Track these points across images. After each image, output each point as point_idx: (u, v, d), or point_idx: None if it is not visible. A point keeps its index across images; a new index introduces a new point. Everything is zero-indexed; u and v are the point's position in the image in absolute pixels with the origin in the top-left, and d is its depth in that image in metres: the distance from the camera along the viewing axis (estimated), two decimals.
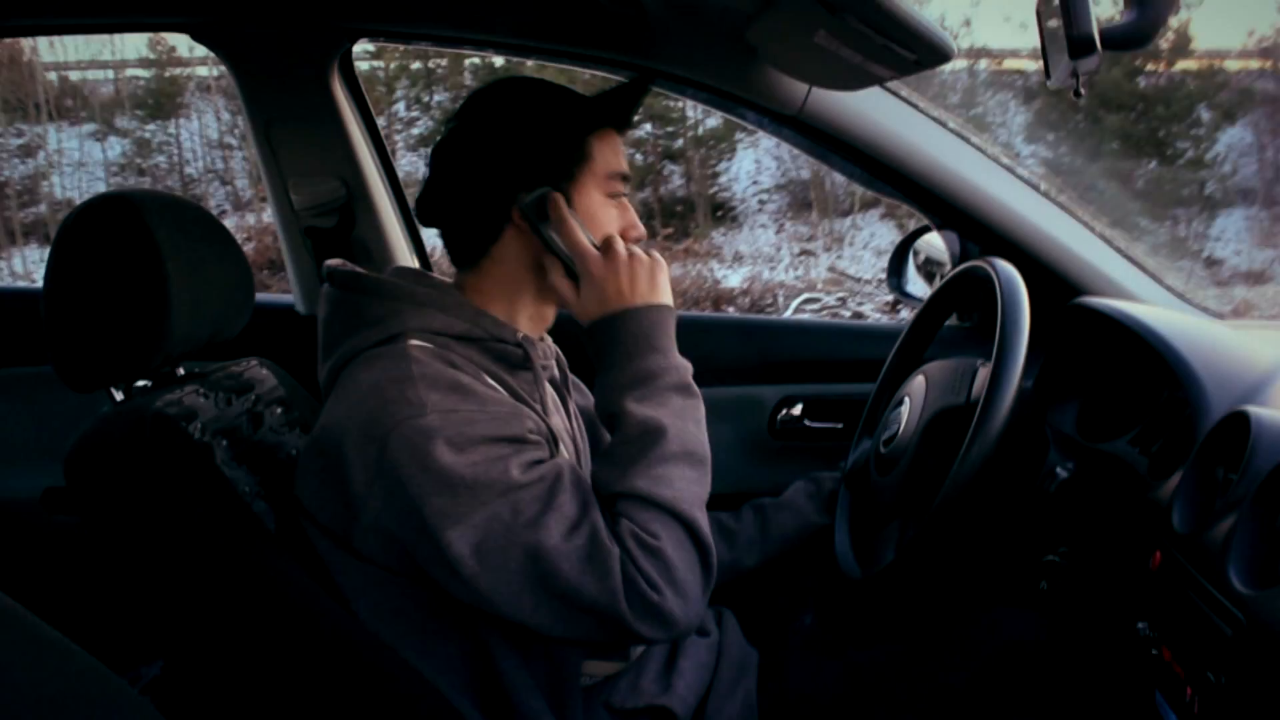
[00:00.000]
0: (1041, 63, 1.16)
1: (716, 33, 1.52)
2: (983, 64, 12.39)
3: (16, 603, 0.69)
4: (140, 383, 1.30)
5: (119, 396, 1.27)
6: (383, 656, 1.13)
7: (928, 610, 1.45)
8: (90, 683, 0.75)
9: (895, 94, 1.69)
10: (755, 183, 12.93)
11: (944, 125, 1.72)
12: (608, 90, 1.27)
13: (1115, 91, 10.82)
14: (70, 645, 0.76)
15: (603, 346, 1.18)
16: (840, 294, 8.55)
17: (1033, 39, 11.74)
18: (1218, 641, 1.01)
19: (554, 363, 1.35)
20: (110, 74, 12.89)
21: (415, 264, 1.98)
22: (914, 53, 1.22)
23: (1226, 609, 1.00)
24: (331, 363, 1.18)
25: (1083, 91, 1.02)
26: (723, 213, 12.50)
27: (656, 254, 1.22)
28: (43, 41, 12.55)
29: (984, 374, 1.32)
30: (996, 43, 11.79)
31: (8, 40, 11.62)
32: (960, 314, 2.01)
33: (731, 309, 9.47)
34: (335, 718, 1.17)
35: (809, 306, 8.27)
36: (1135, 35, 0.97)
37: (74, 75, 12.98)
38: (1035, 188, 1.76)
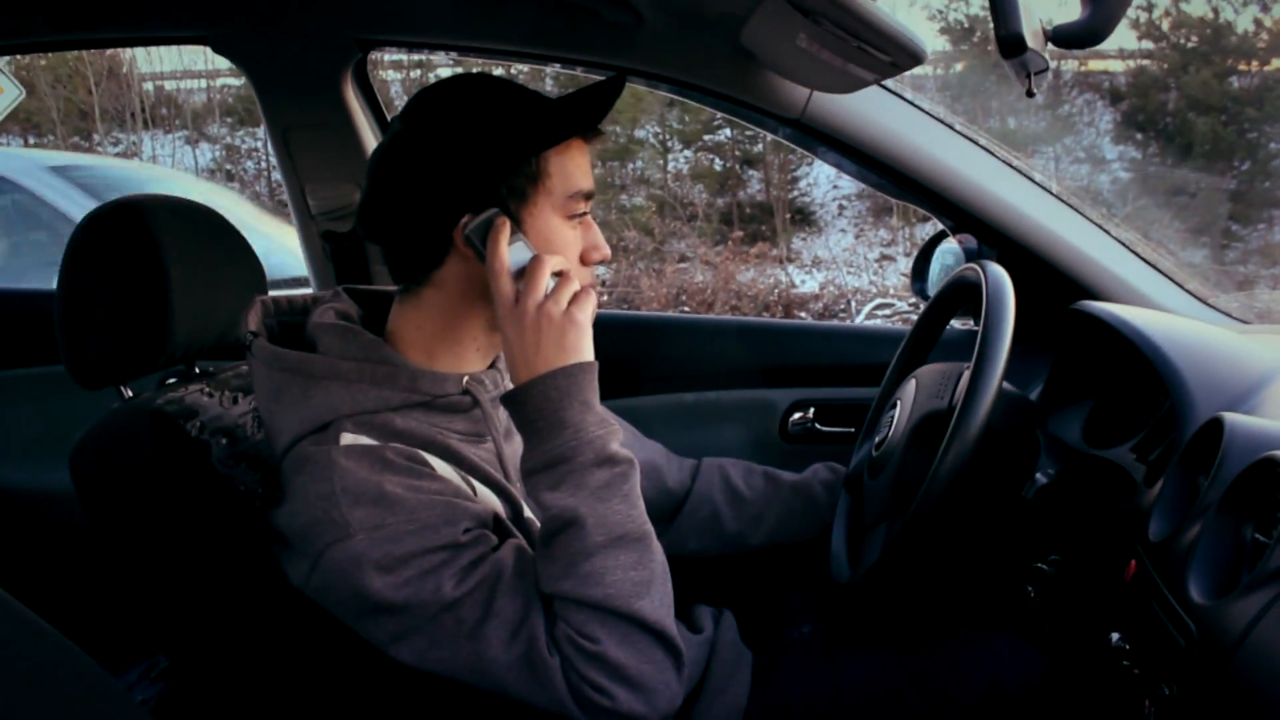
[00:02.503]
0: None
1: (713, 37, 1.53)
2: (1069, 64, 12.14)
3: (12, 597, 0.73)
4: (170, 380, 1.35)
5: (128, 394, 1.32)
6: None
7: (921, 619, 1.44)
8: (77, 678, 0.78)
9: (900, 96, 1.68)
10: (835, 187, 12.81)
11: (951, 128, 1.70)
12: (572, 94, 1.14)
13: (1205, 93, 10.48)
14: (62, 639, 0.79)
15: (517, 423, 1.08)
16: (913, 299, 8.44)
17: (1119, 40, 11.46)
18: (1173, 652, 0.99)
19: (507, 381, 1.23)
20: (203, 83, 13.26)
21: None
22: (888, 55, 1.22)
23: (1181, 619, 0.98)
24: (278, 446, 1.13)
25: (1035, 91, 1.01)
26: (801, 218, 12.42)
27: (577, 307, 1.07)
28: (140, 53, 12.98)
29: (967, 378, 1.31)
30: None
31: (108, 53, 12.07)
32: (975, 318, 1.98)
33: (804, 314, 9.41)
34: (333, 712, 1.20)
35: (880, 312, 8.17)
36: (1088, 33, 0.96)
37: (169, 85, 13.40)
38: (1048, 190, 1.74)
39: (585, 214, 1.17)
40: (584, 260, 1.18)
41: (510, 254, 1.07)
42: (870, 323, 2.07)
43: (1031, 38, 0.94)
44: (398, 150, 1.12)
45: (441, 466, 1.12)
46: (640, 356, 2.01)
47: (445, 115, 1.11)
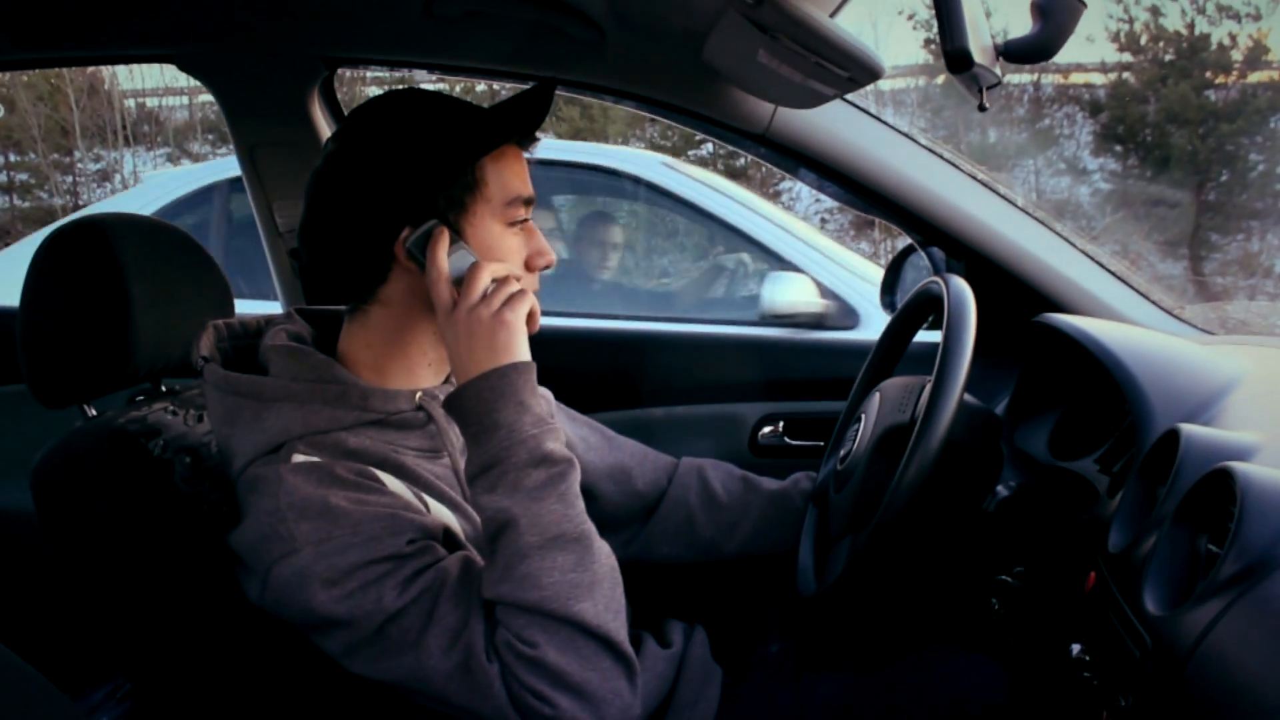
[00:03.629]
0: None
1: (676, 53, 1.53)
2: (1049, 78, 12.24)
3: None
4: (138, 398, 1.34)
5: (92, 413, 1.32)
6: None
7: (887, 635, 1.44)
8: (33, 699, 0.78)
9: (864, 110, 1.69)
10: (818, 201, 12.86)
11: (916, 141, 1.71)
12: (502, 102, 1.15)
13: (1182, 106, 10.56)
14: (17, 661, 0.79)
15: (461, 431, 1.08)
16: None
17: (1098, 53, 11.52)
18: (1129, 663, 0.99)
19: None
20: (185, 100, 13.25)
21: None
22: (846, 70, 1.23)
23: (1136, 630, 0.99)
24: (234, 469, 1.13)
25: (987, 105, 1.02)
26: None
27: (509, 308, 1.07)
28: (122, 71, 12.97)
29: (929, 391, 1.32)
30: (1060, 57, 11.60)
31: (89, 71, 12.06)
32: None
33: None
34: None
35: None
36: (1038, 48, 0.97)
37: (150, 102, 13.39)
38: (1014, 203, 1.75)
39: (526, 220, 1.18)
40: (529, 266, 1.18)
41: (450, 263, 1.08)
42: (838, 335, 2.08)
43: (980, 53, 0.94)
44: (333, 170, 1.12)
45: (393, 483, 1.11)
46: (608, 371, 2.01)
47: (378, 131, 1.12)
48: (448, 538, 1.12)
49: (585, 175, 3.38)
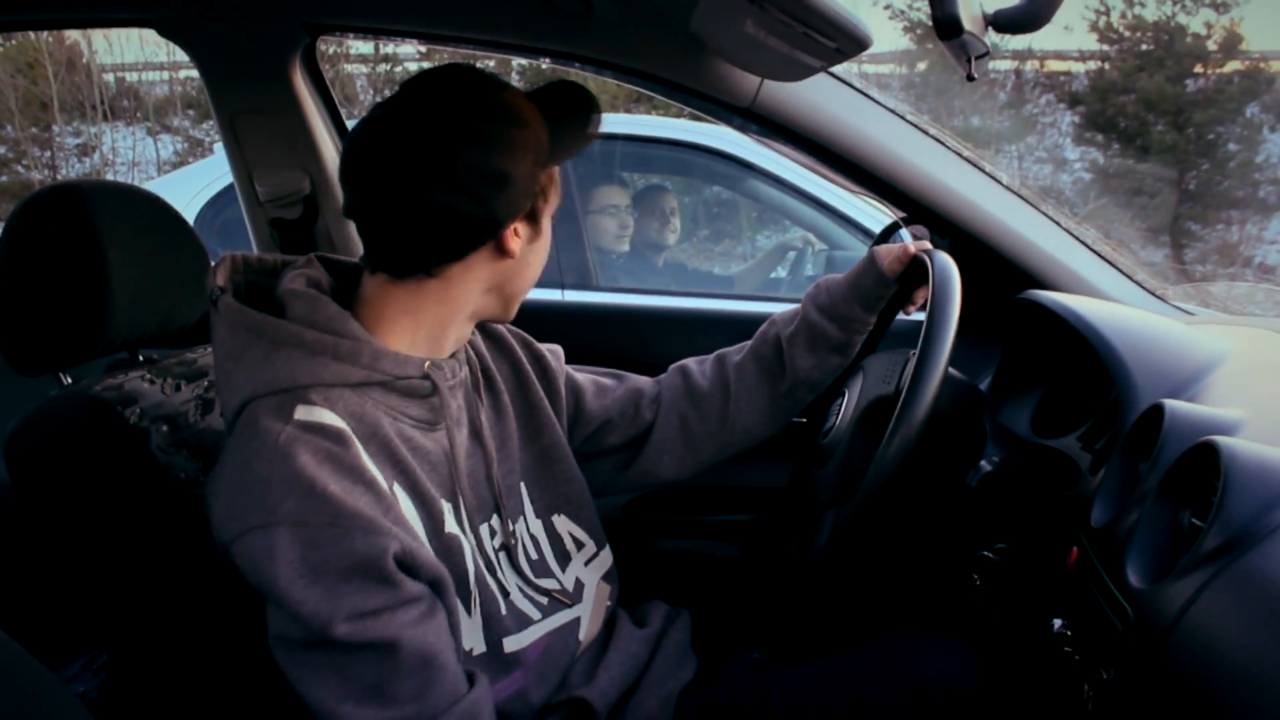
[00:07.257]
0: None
1: (663, 25, 1.52)
2: (1031, 64, 12.24)
3: None
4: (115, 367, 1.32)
5: (68, 381, 1.30)
6: None
7: (863, 611, 1.44)
8: (6, 667, 0.76)
9: (850, 85, 1.68)
10: None
11: (903, 118, 1.70)
12: (563, 96, 1.20)
13: (1159, 97, 10.59)
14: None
15: None
16: None
17: (1078, 41, 11.50)
18: (1111, 637, 0.99)
19: (465, 370, 1.25)
20: (165, 75, 13.10)
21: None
22: (834, 41, 1.21)
23: (1119, 603, 0.99)
24: (230, 405, 1.10)
25: (975, 75, 1.01)
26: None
27: None
28: (100, 44, 12.82)
29: (914, 363, 1.32)
30: (1040, 44, 11.64)
31: (67, 44, 11.93)
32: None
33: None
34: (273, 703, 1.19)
35: None
36: (1026, 19, 0.96)
37: (130, 77, 13.22)
38: (998, 181, 1.74)
39: None
40: None
41: None
42: None
43: (970, 21, 0.93)
44: (437, 153, 1.07)
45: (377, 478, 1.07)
46: (608, 347, 2.00)
47: (489, 118, 1.09)
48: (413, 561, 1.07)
49: (669, 151, 3.23)
